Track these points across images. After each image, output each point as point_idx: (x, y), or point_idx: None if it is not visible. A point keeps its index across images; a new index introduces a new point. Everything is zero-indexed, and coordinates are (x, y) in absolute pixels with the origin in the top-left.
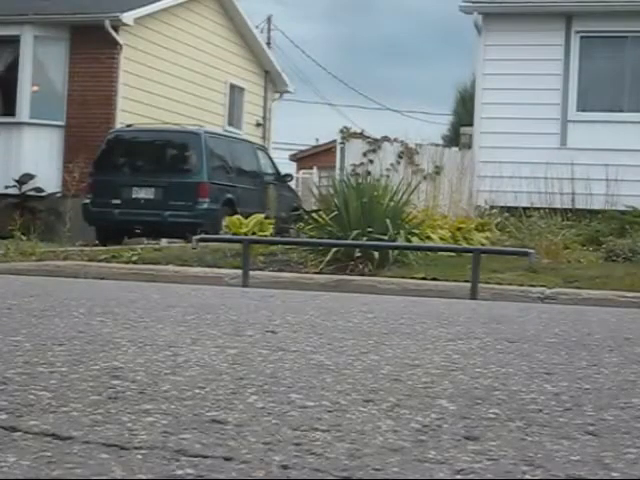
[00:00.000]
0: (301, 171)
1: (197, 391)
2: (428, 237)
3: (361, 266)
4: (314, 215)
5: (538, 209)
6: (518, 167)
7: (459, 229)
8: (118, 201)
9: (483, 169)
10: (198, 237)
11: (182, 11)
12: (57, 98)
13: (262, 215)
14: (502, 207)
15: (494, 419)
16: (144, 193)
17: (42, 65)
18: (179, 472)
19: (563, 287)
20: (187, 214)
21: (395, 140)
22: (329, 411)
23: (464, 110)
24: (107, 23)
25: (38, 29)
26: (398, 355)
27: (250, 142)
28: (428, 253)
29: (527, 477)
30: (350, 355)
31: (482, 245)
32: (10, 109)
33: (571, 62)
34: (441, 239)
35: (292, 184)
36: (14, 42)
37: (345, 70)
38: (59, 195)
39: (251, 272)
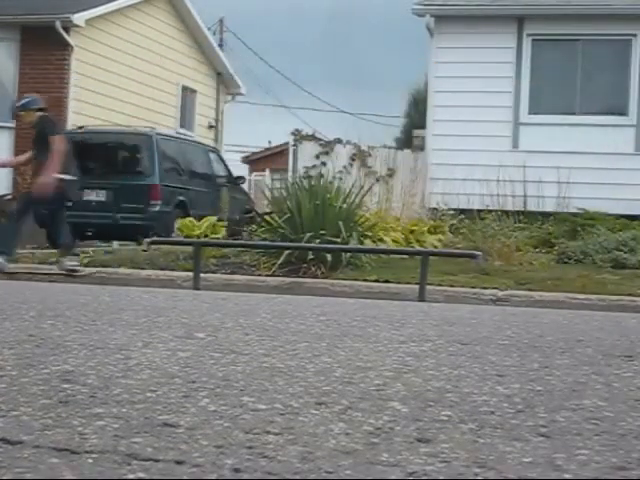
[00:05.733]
0: (253, 173)
1: (149, 394)
2: (381, 239)
3: (314, 268)
4: (267, 217)
5: (491, 211)
6: (471, 169)
7: (412, 232)
8: (69, 203)
9: (436, 171)
10: (149, 240)
11: (134, 12)
12: (7, 99)
13: (214, 217)
14: (455, 209)
15: (446, 421)
16: (95, 195)
17: None
18: (130, 476)
19: (515, 289)
20: (139, 216)
21: (348, 142)
22: (281, 414)
23: (417, 113)
24: (58, 24)
25: None
26: (350, 358)
27: (202, 144)
28: (381, 255)
29: (479, 479)
30: (302, 358)
31: (435, 247)
32: None
33: (523, 65)
34: (394, 241)
35: (244, 186)
36: None
37: (298, 72)
38: (9, 197)
39: (203, 275)
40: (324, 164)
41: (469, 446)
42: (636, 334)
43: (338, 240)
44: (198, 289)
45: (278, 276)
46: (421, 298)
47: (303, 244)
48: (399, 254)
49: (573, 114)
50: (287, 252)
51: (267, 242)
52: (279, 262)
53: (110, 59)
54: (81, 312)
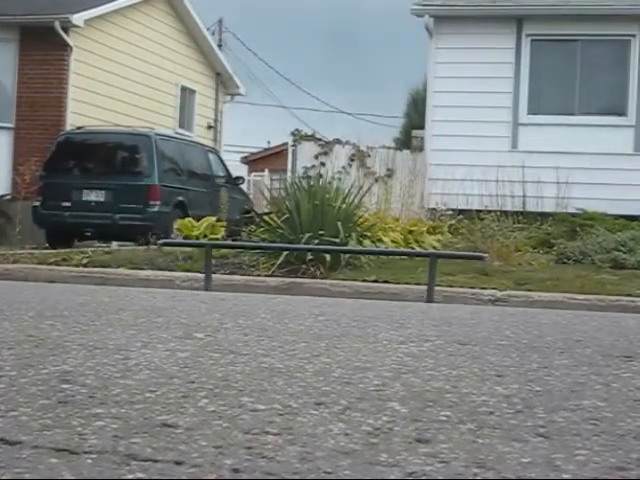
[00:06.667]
0: (252, 174)
1: (148, 395)
2: (380, 240)
3: (313, 269)
4: (266, 218)
5: (490, 212)
6: (470, 170)
7: (411, 232)
8: (68, 204)
9: (435, 172)
10: (162, 241)
11: (133, 13)
12: (6, 100)
13: (214, 218)
14: (454, 210)
15: (445, 421)
16: (95, 196)
17: None
18: (129, 476)
19: (514, 290)
20: (138, 217)
21: (347, 143)
22: (280, 414)
23: (416, 113)
24: (57, 24)
25: None
26: (349, 358)
27: (201, 144)
28: (380, 256)
29: (478, 479)
30: (301, 358)
31: (434, 248)
32: None
33: (522, 65)
34: (393, 242)
35: (244, 187)
36: None
37: (297, 72)
38: (9, 198)
39: (201, 275)
40: (323, 164)
41: (468, 446)
42: (635, 334)
43: (337, 240)
44: (209, 290)
45: (277, 276)
46: (429, 299)
47: (306, 245)
48: (406, 255)
49: (572, 114)
50: (286, 252)
51: (273, 244)
52: (278, 262)
53: (109, 59)
54: (80, 312)
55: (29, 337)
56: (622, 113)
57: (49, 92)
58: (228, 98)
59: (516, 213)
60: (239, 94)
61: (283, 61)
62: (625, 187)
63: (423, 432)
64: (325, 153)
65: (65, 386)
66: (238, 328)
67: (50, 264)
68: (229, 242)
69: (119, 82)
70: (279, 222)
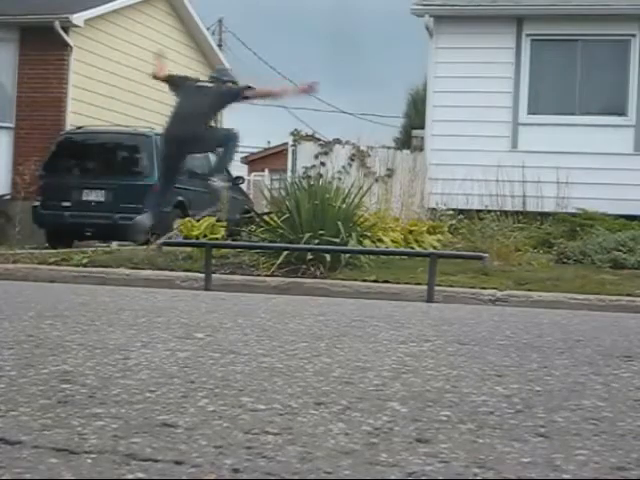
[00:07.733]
0: (252, 173)
1: (148, 395)
2: (380, 240)
3: (313, 269)
4: (266, 218)
5: (490, 212)
6: (470, 170)
7: (411, 232)
8: (68, 203)
9: (435, 172)
10: (161, 241)
11: (133, 12)
12: (6, 100)
13: (214, 218)
14: (454, 209)
15: (445, 421)
16: (95, 195)
17: None
18: (129, 476)
19: (514, 289)
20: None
21: (347, 142)
22: (280, 414)
23: (416, 113)
24: (57, 24)
25: None
26: (350, 358)
27: None
28: (380, 255)
29: (478, 479)
30: (302, 358)
31: (434, 248)
32: None
33: (522, 65)
34: (393, 242)
35: (244, 186)
36: None
37: (297, 72)
38: (9, 198)
39: (201, 275)
40: (323, 164)
41: (468, 446)
42: (635, 334)
43: (337, 240)
44: (209, 290)
45: (277, 276)
46: (430, 299)
47: (306, 246)
48: (406, 255)
49: (572, 114)
50: (286, 252)
51: (275, 244)
52: (278, 262)
53: (109, 59)
54: (80, 312)
55: (29, 337)
56: (622, 113)
57: (49, 92)
58: None
59: (516, 213)
60: None
61: (283, 61)
62: (625, 187)
63: (423, 432)
64: (325, 153)
65: (65, 386)
66: (238, 328)
67: (50, 264)
68: (229, 242)
69: (119, 82)
70: (279, 222)
